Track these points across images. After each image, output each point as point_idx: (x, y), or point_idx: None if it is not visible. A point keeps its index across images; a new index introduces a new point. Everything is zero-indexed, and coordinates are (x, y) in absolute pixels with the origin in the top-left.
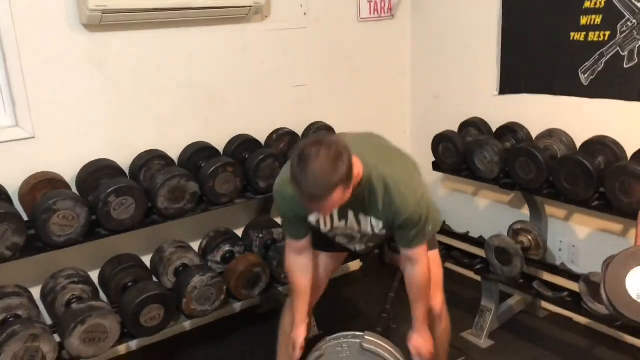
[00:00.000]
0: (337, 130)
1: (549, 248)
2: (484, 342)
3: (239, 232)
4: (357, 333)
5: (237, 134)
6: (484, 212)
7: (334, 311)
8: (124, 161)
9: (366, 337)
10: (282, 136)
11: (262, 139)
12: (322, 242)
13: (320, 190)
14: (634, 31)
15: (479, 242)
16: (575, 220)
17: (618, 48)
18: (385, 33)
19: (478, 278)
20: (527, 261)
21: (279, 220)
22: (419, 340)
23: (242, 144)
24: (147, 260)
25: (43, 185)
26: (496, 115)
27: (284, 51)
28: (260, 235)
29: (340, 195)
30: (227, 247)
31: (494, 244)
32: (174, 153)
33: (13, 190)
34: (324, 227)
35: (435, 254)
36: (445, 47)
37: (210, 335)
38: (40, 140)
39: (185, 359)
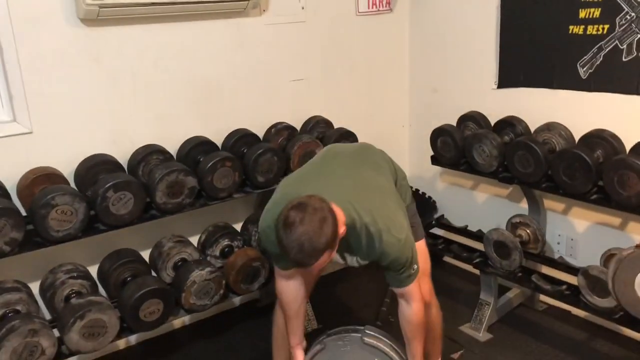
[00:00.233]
0: (335, 124)
1: (548, 241)
2: (482, 336)
3: (238, 226)
4: (357, 327)
5: (236, 128)
6: (482, 206)
7: (334, 304)
8: (122, 156)
9: (367, 332)
10: (281, 130)
11: (260, 133)
12: None
13: (306, 258)
14: (632, 24)
15: (478, 235)
16: (574, 214)
17: (617, 41)
18: (384, 27)
19: (477, 271)
20: (526, 254)
21: None
22: None
23: (241, 139)
24: (146, 255)
25: (41, 180)
26: (495, 109)
27: (282, 45)
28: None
29: (326, 258)
30: (226, 242)
31: (493, 237)
32: (172, 148)
33: (11, 185)
34: None
35: (422, 244)
36: (444, 40)
37: (210, 329)
38: (38, 135)
39: (184, 353)
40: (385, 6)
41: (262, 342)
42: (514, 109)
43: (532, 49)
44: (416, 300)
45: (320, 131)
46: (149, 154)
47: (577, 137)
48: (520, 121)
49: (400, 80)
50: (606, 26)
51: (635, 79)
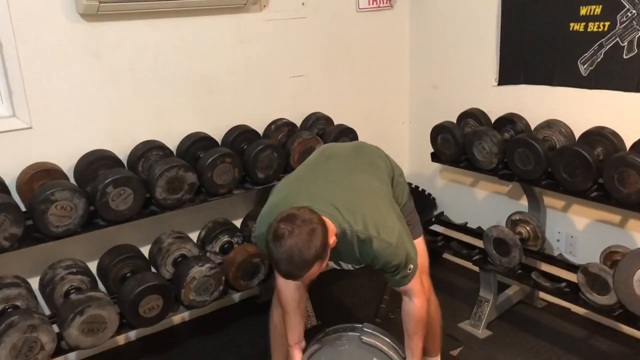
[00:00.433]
0: (335, 121)
1: (547, 239)
2: (482, 333)
3: (238, 222)
4: (356, 325)
5: (236, 124)
6: (482, 203)
7: (333, 301)
8: (122, 152)
9: (365, 330)
10: (281, 127)
11: (260, 129)
12: None
13: (296, 270)
14: (633, 22)
15: (478, 232)
16: (574, 211)
17: (617, 39)
18: (384, 23)
19: (476, 269)
20: (526, 252)
21: None
22: None
23: (241, 135)
24: (145, 251)
25: (41, 176)
26: (495, 106)
27: (283, 41)
28: None
29: (317, 269)
30: (225, 238)
31: (493, 234)
32: (172, 144)
33: (10, 180)
34: None
35: (420, 242)
36: (445, 37)
37: (209, 325)
38: (37, 130)
39: (184, 349)
40: (386, 2)
41: (261, 338)
42: (515, 106)
43: (533, 46)
44: (418, 296)
45: (321, 128)
46: (148, 150)
47: (577, 135)
48: (520, 118)
49: (400, 76)
50: (607, 23)
51: (635, 77)
